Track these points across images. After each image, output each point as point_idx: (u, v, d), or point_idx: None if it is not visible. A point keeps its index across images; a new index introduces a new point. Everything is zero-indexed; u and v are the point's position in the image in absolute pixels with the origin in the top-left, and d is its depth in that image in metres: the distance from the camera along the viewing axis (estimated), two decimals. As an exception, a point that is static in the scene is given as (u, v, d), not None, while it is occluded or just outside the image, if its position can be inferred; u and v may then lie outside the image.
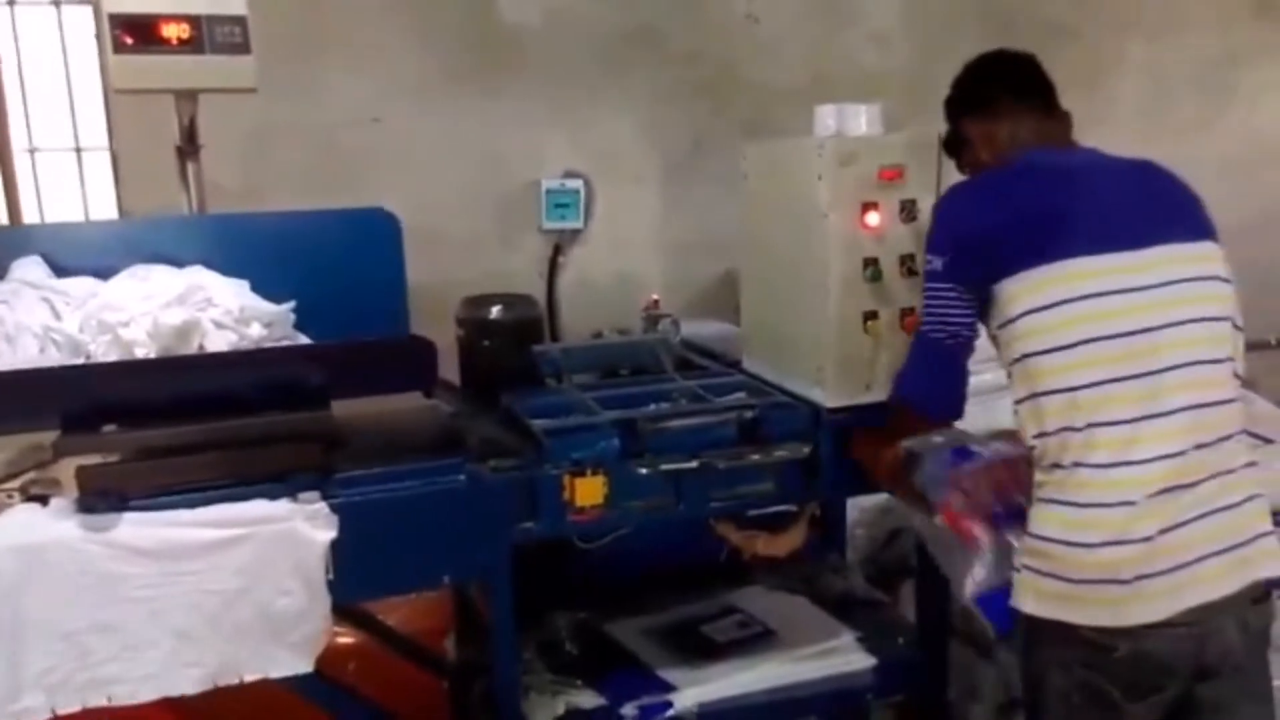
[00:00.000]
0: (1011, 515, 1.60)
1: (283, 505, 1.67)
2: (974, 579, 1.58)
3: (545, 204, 3.33)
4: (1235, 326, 1.61)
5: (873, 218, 1.92)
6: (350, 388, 1.85)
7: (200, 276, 1.86)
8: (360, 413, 1.96)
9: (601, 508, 1.86)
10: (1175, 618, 1.45)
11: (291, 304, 1.94)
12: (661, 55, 3.39)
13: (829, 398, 1.97)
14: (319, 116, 3.11)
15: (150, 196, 3.07)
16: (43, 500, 1.66)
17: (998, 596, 1.57)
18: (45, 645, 1.57)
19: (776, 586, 2.42)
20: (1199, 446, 1.50)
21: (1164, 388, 1.50)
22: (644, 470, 1.88)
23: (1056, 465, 1.53)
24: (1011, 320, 1.60)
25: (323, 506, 1.68)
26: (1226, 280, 1.61)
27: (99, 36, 3.13)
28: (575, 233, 3.39)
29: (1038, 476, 1.56)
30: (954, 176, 1.97)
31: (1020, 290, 1.58)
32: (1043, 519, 1.54)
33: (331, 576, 1.69)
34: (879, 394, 1.98)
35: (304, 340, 1.93)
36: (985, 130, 1.81)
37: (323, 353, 1.81)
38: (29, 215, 3.18)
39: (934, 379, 1.78)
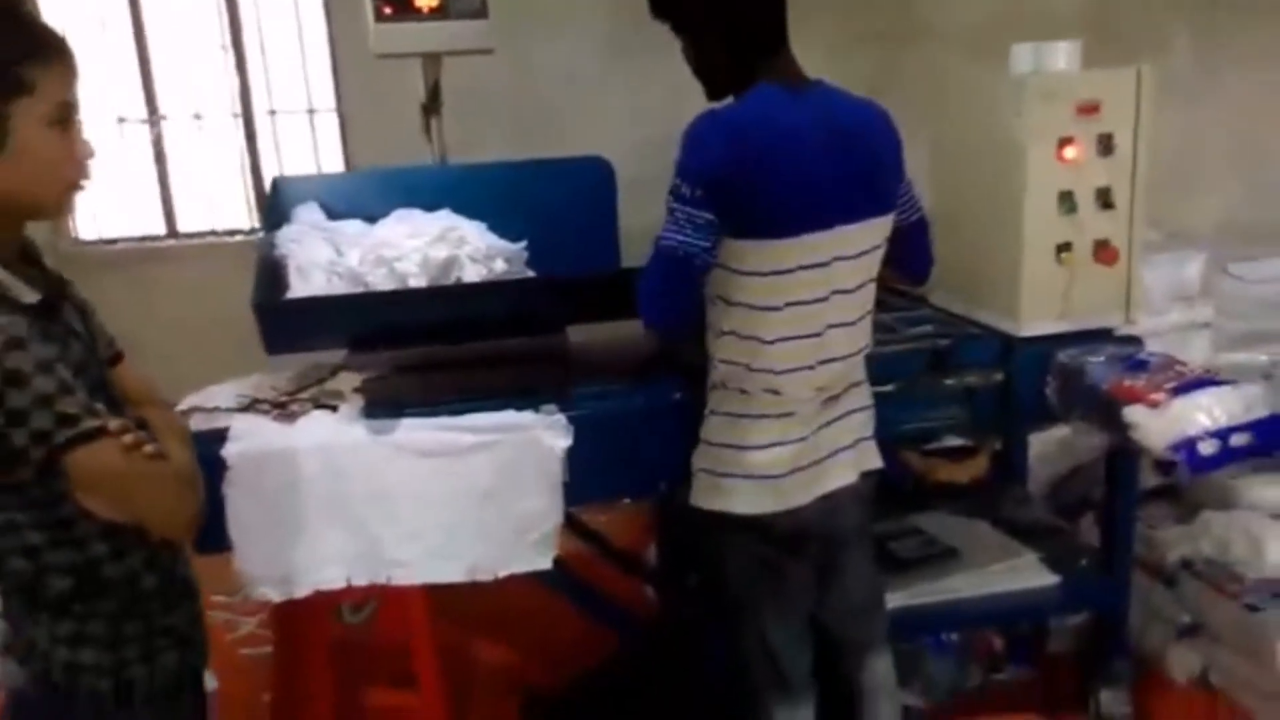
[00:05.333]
0: (1190, 386, 1.86)
1: (528, 416, 1.91)
2: (1157, 430, 1.82)
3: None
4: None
5: (1070, 151, 1.99)
6: (579, 315, 2.07)
7: (451, 219, 2.11)
8: (586, 338, 2.18)
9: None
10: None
11: (524, 243, 2.17)
12: (843, 1, 3.46)
13: (1023, 328, 2.07)
14: (522, 75, 3.35)
15: (372, 152, 3.41)
16: (332, 409, 1.96)
17: (1185, 445, 1.80)
18: (341, 527, 1.86)
19: (959, 511, 2.53)
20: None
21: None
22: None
23: (742, 390, 1.73)
24: (744, 273, 1.64)
25: (560, 418, 1.91)
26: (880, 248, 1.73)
27: (327, 7, 3.48)
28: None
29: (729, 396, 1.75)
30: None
31: (765, 252, 1.62)
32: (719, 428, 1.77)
33: (566, 479, 1.93)
34: (1071, 323, 2.08)
35: (533, 275, 2.16)
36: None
37: (559, 284, 2.03)
38: (268, 170, 3.59)
39: (675, 300, 1.70)
